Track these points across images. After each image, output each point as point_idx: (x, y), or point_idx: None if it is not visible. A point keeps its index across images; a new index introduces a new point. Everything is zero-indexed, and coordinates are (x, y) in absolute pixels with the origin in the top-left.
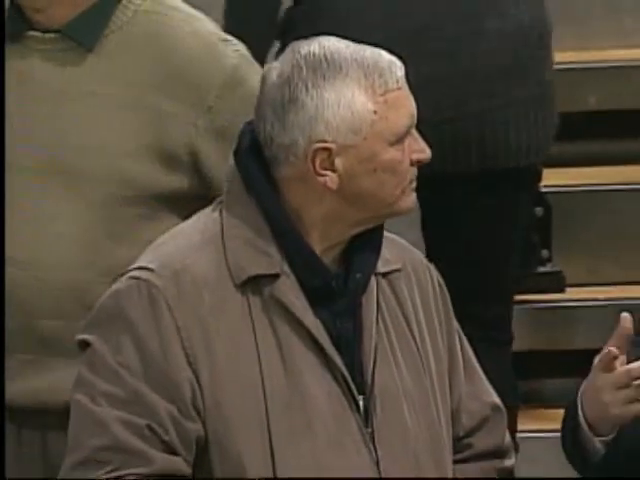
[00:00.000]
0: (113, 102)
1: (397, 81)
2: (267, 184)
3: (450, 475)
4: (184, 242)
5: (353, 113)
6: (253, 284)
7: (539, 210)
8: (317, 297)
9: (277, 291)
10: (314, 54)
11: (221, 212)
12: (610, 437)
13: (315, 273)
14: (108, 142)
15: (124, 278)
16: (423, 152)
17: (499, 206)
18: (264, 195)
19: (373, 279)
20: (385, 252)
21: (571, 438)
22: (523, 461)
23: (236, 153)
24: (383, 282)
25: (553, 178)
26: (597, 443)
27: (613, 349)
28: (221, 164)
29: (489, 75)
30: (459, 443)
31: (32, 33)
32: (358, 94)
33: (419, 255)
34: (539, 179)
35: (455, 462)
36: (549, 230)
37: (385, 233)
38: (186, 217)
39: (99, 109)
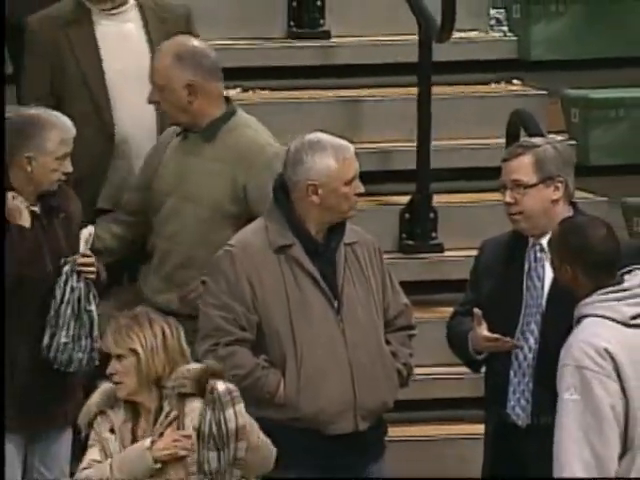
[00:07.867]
0: (213, 168)
1: (350, 154)
2: (286, 201)
3: (381, 338)
4: (249, 231)
5: (327, 168)
6: (281, 250)
7: (428, 214)
8: (314, 255)
9: (293, 253)
10: (311, 138)
11: (265, 218)
12: (484, 355)
13: (310, 244)
14: (210, 186)
15: (221, 250)
16: (360, 189)
17: None
18: (283, 207)
19: (343, 246)
20: (350, 233)
21: (458, 343)
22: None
23: (273, 188)
24: (349, 248)
25: (441, 198)
26: (477, 356)
27: (478, 312)
28: (258, 201)
29: None
30: (389, 324)
31: (188, 134)
32: (329, 160)
33: (368, 235)
34: (430, 199)
35: (386, 332)
36: (436, 223)
37: (352, 225)
38: (240, 227)
39: (206, 170)
